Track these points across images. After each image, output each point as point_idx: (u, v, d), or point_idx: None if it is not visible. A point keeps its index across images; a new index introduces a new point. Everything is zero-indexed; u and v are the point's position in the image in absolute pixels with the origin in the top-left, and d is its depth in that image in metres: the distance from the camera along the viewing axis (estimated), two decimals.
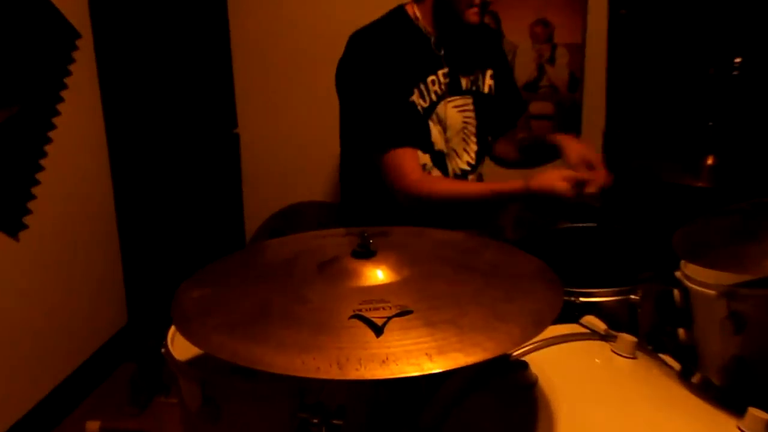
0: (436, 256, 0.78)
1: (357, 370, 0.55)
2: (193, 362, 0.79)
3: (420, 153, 1.12)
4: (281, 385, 0.67)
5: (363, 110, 1.11)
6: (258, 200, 1.98)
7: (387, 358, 0.56)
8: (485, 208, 1.20)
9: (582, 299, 0.93)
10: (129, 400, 1.44)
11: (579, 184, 0.97)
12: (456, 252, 0.80)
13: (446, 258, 0.77)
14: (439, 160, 1.16)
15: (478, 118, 1.19)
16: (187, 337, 0.61)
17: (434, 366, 0.56)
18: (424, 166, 1.12)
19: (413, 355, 0.56)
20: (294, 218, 2.00)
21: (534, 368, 0.76)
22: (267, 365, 0.56)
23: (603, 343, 0.82)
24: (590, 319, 0.87)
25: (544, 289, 0.69)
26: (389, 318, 0.61)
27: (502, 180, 1.04)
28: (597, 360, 0.81)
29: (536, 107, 1.77)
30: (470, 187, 1.10)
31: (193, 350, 0.75)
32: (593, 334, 0.84)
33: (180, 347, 0.80)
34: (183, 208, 1.73)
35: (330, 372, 0.55)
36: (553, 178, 0.97)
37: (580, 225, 1.17)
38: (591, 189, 0.97)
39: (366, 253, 0.70)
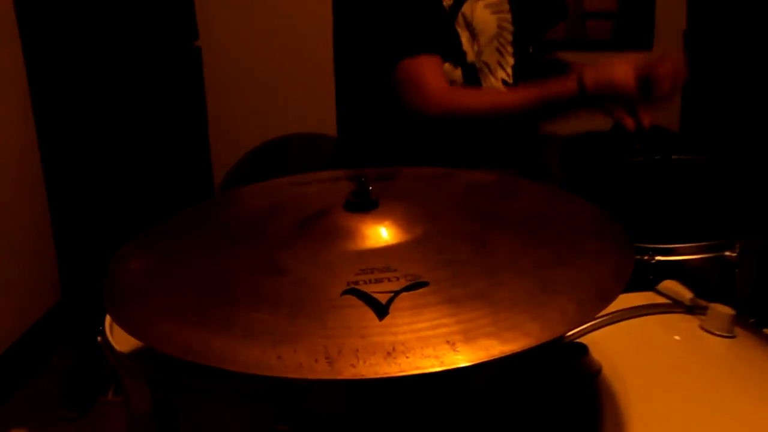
0: (460, 207, 0.77)
1: (353, 366, 0.53)
2: (139, 355, 0.77)
3: (449, 66, 1.10)
4: (254, 386, 0.66)
5: (368, 10, 1.09)
6: (228, 134, 1.95)
7: (394, 349, 0.54)
8: (530, 128, 1.16)
9: (659, 258, 0.92)
10: (64, 399, 1.44)
11: (647, 81, 0.93)
12: (486, 200, 0.79)
13: (473, 209, 0.76)
14: (471, 75, 1.13)
15: (515, 23, 1.16)
16: (122, 324, 0.60)
17: (459, 358, 0.54)
18: (452, 83, 1.10)
19: (430, 343, 0.55)
20: (277, 158, 1.98)
21: (596, 353, 0.75)
22: (231, 362, 0.54)
23: (688, 317, 0.82)
24: (671, 285, 0.86)
25: (608, 248, 0.67)
26: (396, 293, 0.59)
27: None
28: (680, 339, 0.81)
29: (594, 2, 1.71)
30: (508, 97, 1.07)
31: None
32: (675, 305, 0.84)
33: (123, 335, 0.75)
34: (130, 146, 1.70)
35: (316, 370, 0.53)
36: (614, 68, 0.93)
37: (654, 158, 1.16)
38: (664, 87, 0.92)
39: (364, 205, 0.68)
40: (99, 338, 0.80)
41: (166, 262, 0.69)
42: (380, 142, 1.16)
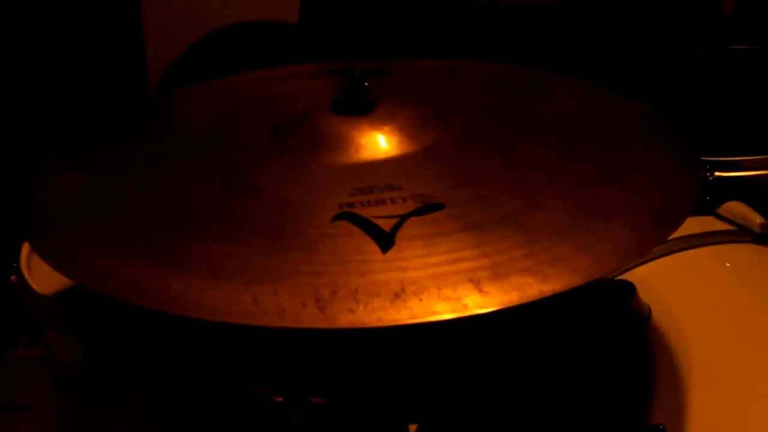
0: (477, 108, 0.76)
1: (351, 311, 0.52)
2: (67, 297, 0.77)
3: None
4: (216, 339, 0.64)
5: None
6: (166, 24, 1.93)
7: (403, 289, 0.52)
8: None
9: (719, 174, 0.90)
10: None
11: None
12: (509, 99, 0.78)
13: (494, 110, 0.75)
14: None
15: None
16: (48, 257, 0.58)
17: (485, 301, 0.52)
18: None
19: (448, 281, 0.53)
20: (226, 51, 1.96)
21: (645, 293, 0.74)
22: (192, 307, 0.52)
23: (758, 247, 0.83)
24: (735, 208, 0.86)
25: (667, 159, 0.66)
26: (403, 217, 0.58)
27: None
28: (747, 275, 0.82)
29: None
30: None
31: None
32: (741, 233, 0.84)
33: (44, 273, 0.79)
34: (39, 36, 1.67)
35: (304, 316, 0.51)
36: None
37: (708, 48, 1.16)
38: None
39: (358, 105, 0.67)
40: (12, 276, 0.81)
41: (104, 179, 0.67)
42: (363, 24, 1.14)
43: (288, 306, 0.52)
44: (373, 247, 0.56)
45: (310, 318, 0.52)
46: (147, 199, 0.64)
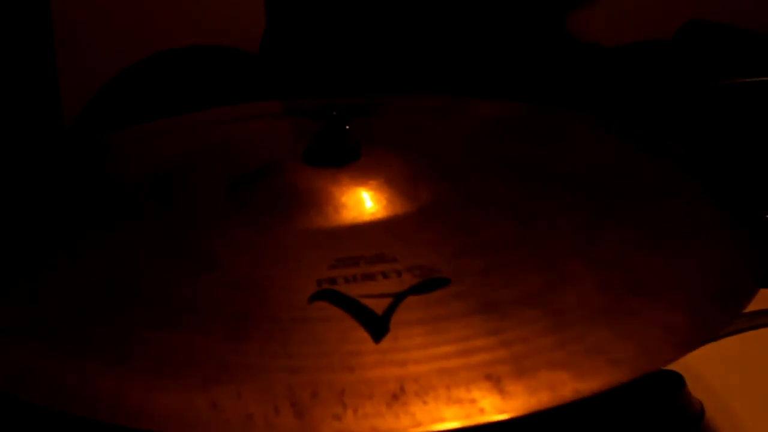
0: (483, 156, 0.76)
1: (337, 418, 0.50)
2: None
3: None
4: None
5: None
6: (83, 44, 1.92)
7: (402, 389, 0.51)
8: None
9: None
10: None
11: None
12: (523, 145, 0.78)
13: (504, 159, 0.75)
14: None
15: None
16: None
17: (508, 404, 0.51)
18: None
19: (459, 379, 0.52)
20: (160, 83, 1.95)
21: (695, 385, 0.74)
22: (133, 414, 0.51)
23: None
24: None
25: (725, 218, 0.67)
26: (399, 297, 0.57)
27: None
28: None
29: None
30: None
31: None
32: None
33: None
34: None
35: (275, 425, 0.50)
36: None
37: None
38: None
39: (337, 155, 0.67)
40: None
41: (16, 246, 0.67)
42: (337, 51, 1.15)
43: (256, 412, 0.51)
44: (362, 334, 0.55)
45: (284, 427, 0.50)
46: (72, 273, 0.63)
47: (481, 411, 0.51)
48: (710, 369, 0.78)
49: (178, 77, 1.85)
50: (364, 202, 0.65)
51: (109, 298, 0.60)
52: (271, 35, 1.27)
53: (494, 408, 0.51)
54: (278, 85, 1.25)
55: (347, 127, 0.67)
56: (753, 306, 0.77)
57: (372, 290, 0.58)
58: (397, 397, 0.51)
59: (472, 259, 0.61)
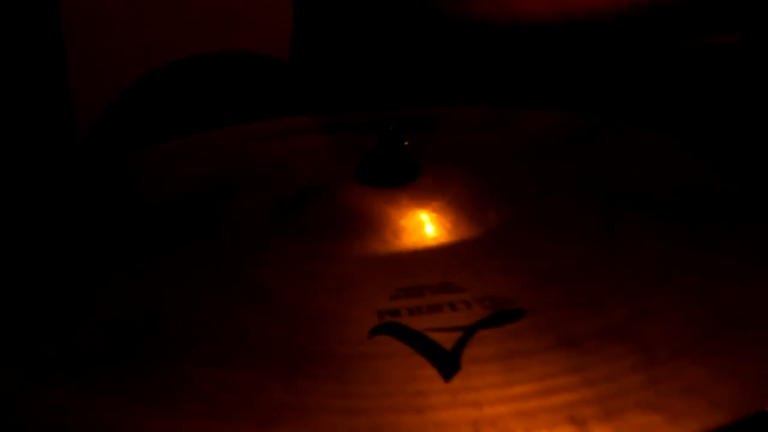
0: (548, 174, 0.76)
1: None
2: None
3: None
4: None
5: None
6: (96, 59, 1.93)
7: (475, 430, 0.51)
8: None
9: None
10: None
11: None
12: (589, 160, 0.78)
13: (571, 174, 0.76)
14: None
15: None
16: None
17: None
18: None
19: (540, 423, 0.51)
20: (179, 94, 1.95)
21: None
22: None
23: None
24: None
25: None
26: (470, 330, 0.57)
27: None
28: None
29: None
30: None
31: None
32: None
33: None
34: None
35: None
36: None
37: None
38: None
39: (395, 174, 0.67)
40: None
41: (42, 278, 0.67)
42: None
43: None
44: (430, 372, 0.55)
45: None
46: (109, 307, 0.63)
47: None
48: None
49: (203, 86, 1.85)
50: (426, 225, 0.65)
51: (150, 334, 0.60)
52: (299, 42, 1.27)
53: None
54: (310, 96, 1.25)
55: (405, 142, 0.67)
56: None
57: (439, 323, 0.58)
58: None
59: (547, 289, 0.61)
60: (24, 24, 1.79)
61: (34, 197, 0.78)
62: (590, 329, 0.57)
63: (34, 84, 1.80)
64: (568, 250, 0.65)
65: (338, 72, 1.22)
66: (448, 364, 0.55)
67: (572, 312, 0.59)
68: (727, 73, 1.20)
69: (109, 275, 0.66)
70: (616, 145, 0.83)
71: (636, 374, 0.54)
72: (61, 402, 0.55)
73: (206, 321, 0.60)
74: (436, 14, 1.11)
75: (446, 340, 0.56)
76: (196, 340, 0.59)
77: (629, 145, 0.83)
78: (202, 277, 0.64)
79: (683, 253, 0.65)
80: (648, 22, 1.09)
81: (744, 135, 1.06)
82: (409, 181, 0.67)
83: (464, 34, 1.10)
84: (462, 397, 0.53)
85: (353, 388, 0.54)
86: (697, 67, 1.16)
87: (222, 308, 0.61)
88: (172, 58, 1.90)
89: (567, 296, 0.60)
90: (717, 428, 0.52)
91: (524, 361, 0.55)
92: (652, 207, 0.70)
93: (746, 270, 0.63)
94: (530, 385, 0.54)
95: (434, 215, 0.66)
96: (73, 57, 1.93)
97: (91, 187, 0.82)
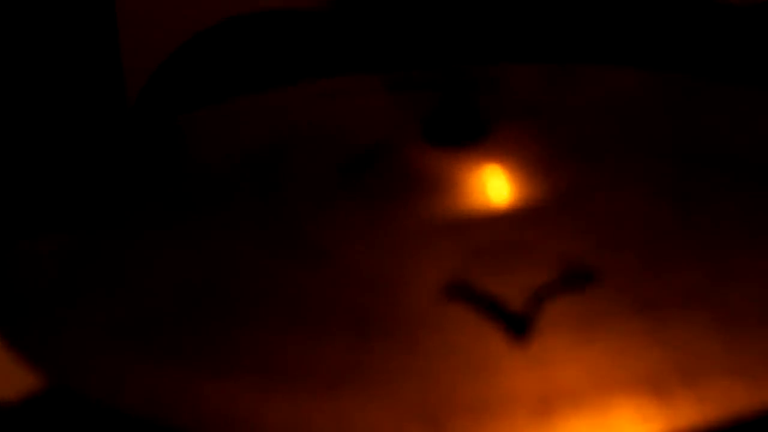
0: (624, 132, 0.75)
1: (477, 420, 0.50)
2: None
3: None
4: None
5: None
6: (146, 16, 1.95)
7: (551, 400, 0.51)
8: None
9: None
10: None
11: None
12: (672, 121, 0.77)
13: (648, 134, 0.75)
14: None
15: None
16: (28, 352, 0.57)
17: (676, 418, 0.50)
18: None
19: (617, 389, 0.51)
20: (228, 53, 1.96)
21: None
22: (244, 430, 0.51)
23: None
24: None
25: None
26: (544, 293, 0.57)
27: None
28: None
29: None
30: None
31: None
32: None
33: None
34: None
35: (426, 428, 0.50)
36: None
37: None
38: None
39: (464, 131, 0.66)
40: None
41: (98, 241, 0.67)
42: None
43: (385, 424, 0.51)
44: (502, 336, 0.55)
45: None
46: (163, 270, 0.63)
47: (645, 426, 0.50)
48: None
49: (251, 47, 1.87)
50: (498, 185, 0.65)
51: (208, 298, 0.60)
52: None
53: (660, 422, 0.50)
54: (357, 51, 1.25)
55: (477, 98, 0.67)
56: None
57: (512, 286, 0.57)
58: (545, 409, 0.51)
59: (624, 251, 0.60)
60: None
61: (89, 159, 0.79)
62: (668, 293, 0.57)
63: (85, 46, 1.82)
64: (646, 211, 0.64)
65: (382, 27, 1.23)
66: (521, 329, 0.55)
67: (649, 275, 0.59)
68: None
69: (166, 238, 0.67)
70: (694, 105, 0.82)
71: (718, 340, 0.54)
72: (121, 366, 0.55)
73: (266, 284, 0.61)
74: None
75: (518, 304, 0.56)
76: (256, 303, 0.59)
77: (708, 104, 0.82)
78: (262, 240, 0.64)
79: (766, 213, 0.64)
80: None
81: None
82: (478, 140, 0.67)
83: None
84: (536, 363, 0.54)
85: (422, 354, 0.54)
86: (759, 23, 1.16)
87: (282, 271, 0.61)
88: (222, 15, 1.92)
89: (644, 259, 0.60)
90: None
91: (601, 325, 0.55)
92: (734, 167, 0.70)
93: None
94: (607, 350, 0.54)
95: (506, 175, 0.66)
96: (123, 14, 1.96)
97: (146, 149, 0.82)
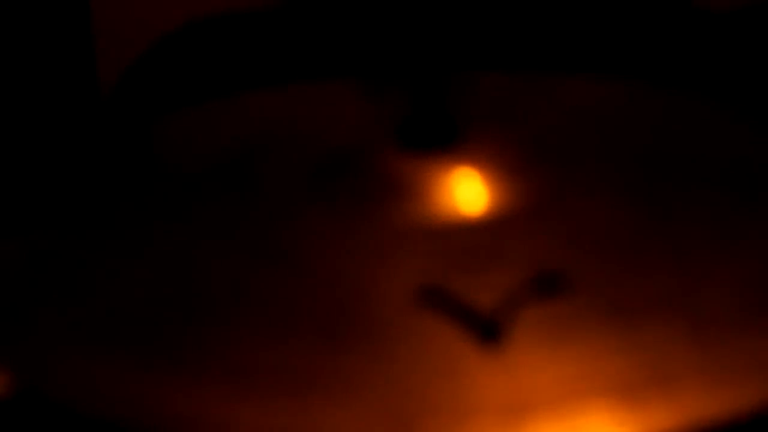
0: (597, 142, 0.75)
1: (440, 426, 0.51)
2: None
3: None
4: None
5: None
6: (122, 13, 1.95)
7: (522, 407, 0.51)
8: None
9: None
10: None
11: None
12: (636, 129, 0.78)
13: (620, 143, 0.75)
14: None
15: None
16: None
17: (649, 428, 0.50)
18: None
19: (590, 397, 0.51)
20: (200, 51, 1.96)
21: None
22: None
23: None
24: None
25: None
26: (515, 300, 0.57)
27: None
28: None
29: None
30: None
31: None
32: None
33: None
34: None
35: None
36: None
37: None
38: None
39: (435, 135, 0.67)
40: None
41: (68, 242, 0.67)
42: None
43: (353, 430, 0.51)
44: (473, 344, 0.55)
45: None
46: (134, 273, 0.63)
47: (618, 430, 0.50)
48: None
49: (218, 49, 1.87)
50: (471, 190, 0.65)
51: (179, 302, 0.60)
52: None
53: (634, 427, 0.50)
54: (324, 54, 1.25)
55: (447, 102, 0.67)
56: None
57: (484, 292, 0.57)
58: (516, 415, 0.51)
59: (596, 256, 0.60)
60: None
61: (62, 160, 0.78)
62: (640, 299, 0.57)
63: (59, 41, 1.81)
64: (617, 217, 0.64)
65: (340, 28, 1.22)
66: (492, 336, 0.55)
67: (621, 281, 0.59)
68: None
69: (138, 240, 0.67)
70: (668, 116, 0.82)
71: (692, 348, 0.54)
72: (89, 369, 0.55)
73: (238, 287, 0.60)
74: None
75: (489, 310, 0.56)
76: (228, 306, 0.59)
77: (678, 116, 0.83)
78: (235, 243, 0.64)
79: (737, 221, 0.64)
80: None
81: None
82: (452, 144, 0.67)
83: None
84: (507, 370, 0.54)
85: (390, 357, 0.54)
86: (738, 30, 1.16)
87: (254, 275, 0.61)
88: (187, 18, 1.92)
89: (617, 264, 0.60)
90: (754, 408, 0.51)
91: (572, 332, 0.55)
92: (706, 175, 0.70)
93: None
94: (579, 357, 0.54)
95: (479, 180, 0.66)
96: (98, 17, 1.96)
97: (118, 151, 0.82)
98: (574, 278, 0.58)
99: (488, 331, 0.55)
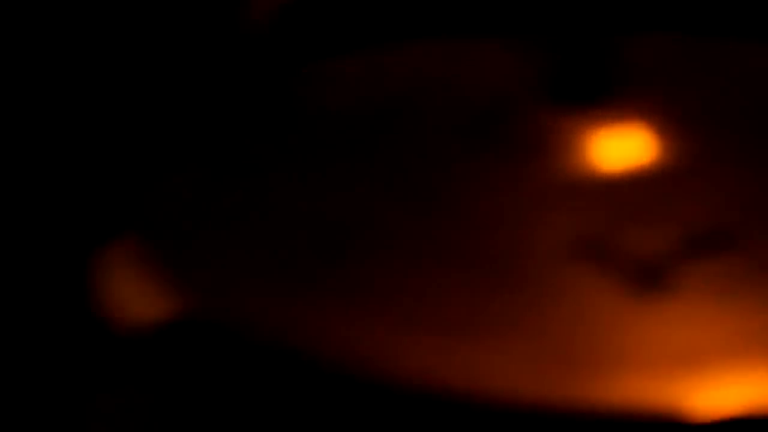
0: (758, 103, 0.73)
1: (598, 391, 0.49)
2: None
3: None
4: None
5: None
6: None
7: (682, 363, 0.51)
8: None
9: None
10: None
11: None
12: None
13: None
14: None
15: None
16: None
17: None
18: None
19: (756, 354, 0.51)
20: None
21: None
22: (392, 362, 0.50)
23: None
24: None
25: None
26: (677, 255, 0.57)
27: None
28: None
29: None
30: None
31: None
32: None
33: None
34: None
35: (543, 382, 0.50)
36: None
37: None
38: None
39: (587, 91, 0.66)
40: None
41: (227, 180, 0.67)
42: None
43: (506, 374, 0.51)
44: (634, 297, 0.55)
45: (549, 385, 0.50)
46: (296, 208, 0.64)
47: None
48: None
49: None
50: (628, 147, 0.64)
51: (342, 238, 0.60)
52: None
53: None
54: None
55: (604, 59, 0.66)
56: None
57: (643, 248, 0.57)
58: (676, 370, 0.51)
59: (758, 216, 0.60)
60: None
61: (217, 105, 0.78)
62: None
63: None
64: None
65: None
66: (654, 289, 0.55)
67: None
68: None
69: (300, 180, 0.67)
70: None
71: None
72: (257, 298, 0.56)
73: (398, 229, 0.61)
74: None
75: (652, 265, 0.56)
76: (390, 246, 0.59)
77: None
78: (388, 187, 0.64)
79: None
80: None
81: None
82: (603, 99, 0.66)
83: None
84: (671, 325, 0.53)
85: (546, 304, 0.55)
86: None
87: (406, 220, 0.61)
88: None
89: None
90: None
91: (738, 288, 0.55)
92: None
93: None
94: (741, 310, 0.54)
95: (636, 136, 0.65)
96: None
97: (268, 97, 0.82)
98: (737, 235, 0.58)
99: (655, 287, 0.55)
